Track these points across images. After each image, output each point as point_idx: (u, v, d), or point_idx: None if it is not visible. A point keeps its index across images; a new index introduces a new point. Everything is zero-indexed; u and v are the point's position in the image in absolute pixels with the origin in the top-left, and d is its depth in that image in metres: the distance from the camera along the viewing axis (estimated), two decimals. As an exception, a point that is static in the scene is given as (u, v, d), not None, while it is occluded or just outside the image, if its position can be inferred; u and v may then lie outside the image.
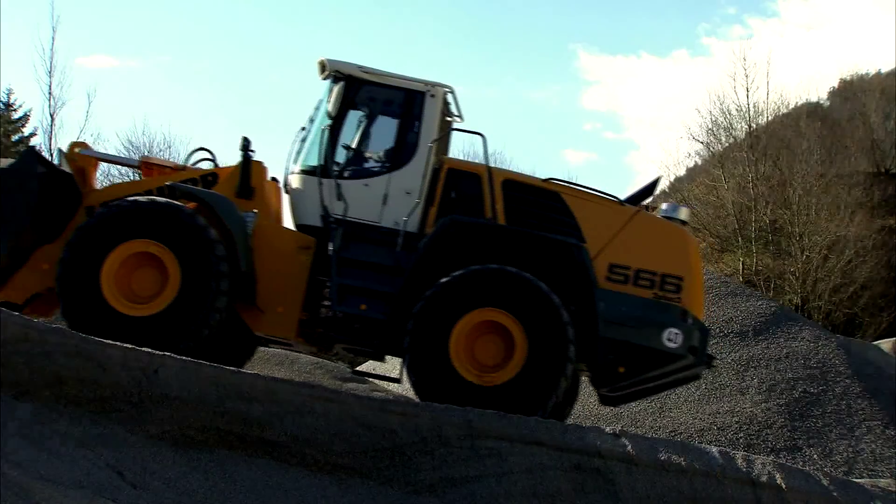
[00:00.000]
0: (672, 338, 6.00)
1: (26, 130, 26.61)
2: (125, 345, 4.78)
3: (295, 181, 6.44)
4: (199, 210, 5.98)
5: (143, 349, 4.75)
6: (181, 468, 4.43)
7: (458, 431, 4.90)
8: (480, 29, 79.06)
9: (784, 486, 4.85)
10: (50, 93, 23.21)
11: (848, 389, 8.70)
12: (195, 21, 71.87)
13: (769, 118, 30.45)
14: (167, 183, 6.32)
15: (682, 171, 35.60)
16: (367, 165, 6.52)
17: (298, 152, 6.57)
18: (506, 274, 5.81)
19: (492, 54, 77.57)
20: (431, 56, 79.65)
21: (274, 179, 6.80)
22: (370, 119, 6.64)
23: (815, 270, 24.29)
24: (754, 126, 29.76)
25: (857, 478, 6.63)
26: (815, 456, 7.64)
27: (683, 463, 4.88)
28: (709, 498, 4.80)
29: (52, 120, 23.31)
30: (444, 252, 5.99)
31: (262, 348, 7.80)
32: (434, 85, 6.43)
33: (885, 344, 14.03)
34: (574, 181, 6.75)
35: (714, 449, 5.13)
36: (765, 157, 28.38)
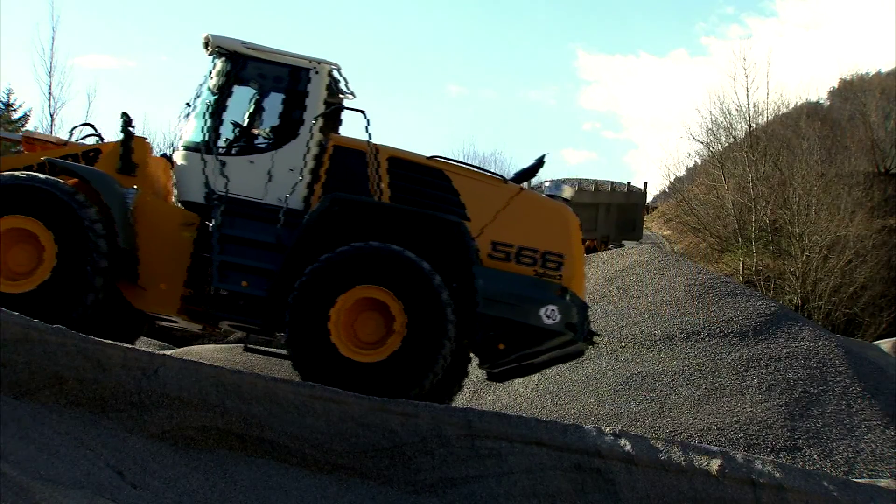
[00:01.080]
0: (550, 315, 6.02)
1: (26, 130, 26.61)
2: (125, 345, 4.78)
3: (179, 157, 6.43)
4: (79, 187, 5.96)
5: (143, 349, 4.75)
6: (181, 468, 4.43)
7: (458, 431, 4.90)
8: (479, 29, 78.94)
9: (784, 486, 4.85)
10: (50, 93, 23.25)
11: (848, 389, 8.70)
12: (193, 20, 71.77)
13: (769, 118, 30.50)
14: (45, 158, 6.28)
15: (682, 171, 35.63)
16: (251, 142, 6.50)
17: (184, 129, 6.54)
18: (388, 252, 5.81)
19: (490, 54, 77.43)
20: (430, 56, 79.51)
21: (165, 156, 6.82)
22: (255, 96, 6.64)
23: (815, 270, 24.30)
24: (754, 126, 29.80)
25: (857, 478, 6.63)
26: (815, 456, 7.64)
27: (683, 463, 4.88)
28: (709, 498, 4.80)
29: (52, 120, 23.36)
30: (327, 229, 5.99)
31: (262, 347, 7.80)
32: (319, 62, 6.42)
33: (885, 344, 14.04)
34: (460, 160, 6.78)
35: (714, 449, 5.13)
36: (765, 157, 28.41)
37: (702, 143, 31.95)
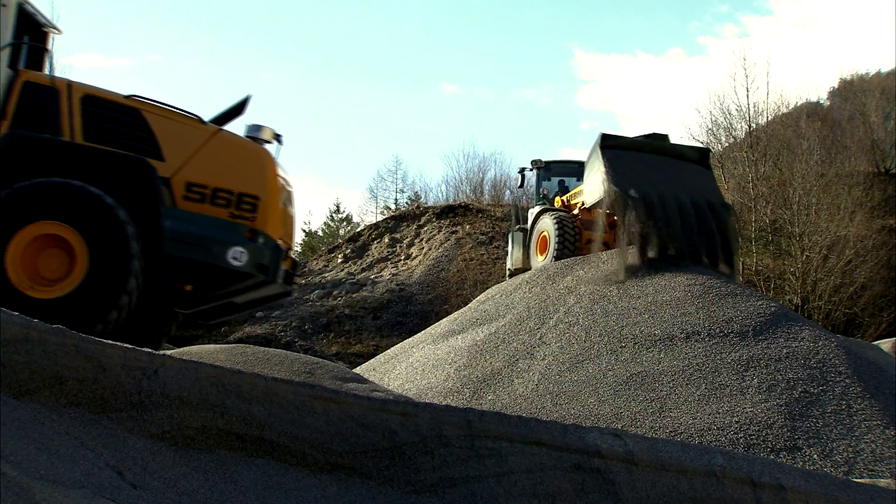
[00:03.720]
0: (237, 256, 6.08)
1: (26, 130, 26.57)
2: (125, 345, 4.78)
3: None
4: None
5: (143, 349, 4.75)
6: (181, 468, 4.43)
7: (458, 431, 4.90)
8: (475, 28, 78.90)
9: (784, 486, 4.85)
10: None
11: (848, 389, 8.69)
12: (186, 20, 71.74)
13: (769, 118, 30.48)
14: None
15: (681, 171, 35.53)
16: None
17: None
18: (68, 187, 5.73)
19: (487, 53, 77.40)
20: (428, 55, 79.43)
21: None
22: None
23: (815, 270, 24.30)
24: (754, 126, 29.78)
25: (857, 478, 6.63)
26: (815, 456, 7.64)
27: (683, 463, 4.88)
28: (709, 498, 4.80)
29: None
30: (9, 168, 5.87)
31: (262, 348, 7.79)
32: None
33: (885, 344, 14.04)
34: (159, 100, 6.67)
35: (714, 449, 5.13)
36: (765, 157, 28.40)
37: (701, 143, 31.91)
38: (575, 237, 15.21)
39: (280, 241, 6.64)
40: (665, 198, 12.24)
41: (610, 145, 13.01)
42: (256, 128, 6.66)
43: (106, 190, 5.82)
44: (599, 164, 12.92)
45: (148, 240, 5.93)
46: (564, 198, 17.08)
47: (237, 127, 6.74)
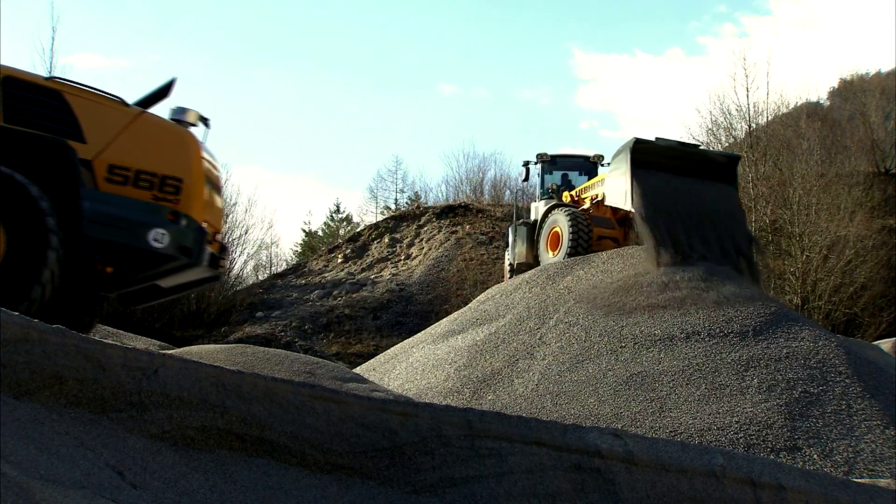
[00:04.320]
0: (158, 238, 6.08)
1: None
2: (125, 345, 4.78)
3: None
4: None
5: (143, 349, 4.75)
6: (181, 468, 4.43)
7: (458, 431, 4.90)
8: (474, 28, 78.93)
9: (784, 486, 4.85)
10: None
11: (848, 389, 8.69)
12: (184, 19, 71.74)
13: (769, 118, 30.47)
14: None
15: (682, 171, 35.49)
16: None
17: None
18: None
19: (485, 53, 77.43)
20: (426, 55, 79.44)
21: None
22: None
23: (815, 270, 24.29)
24: (754, 126, 29.78)
25: (857, 478, 6.63)
26: (815, 456, 7.64)
27: (683, 463, 4.88)
28: (709, 498, 4.80)
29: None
30: None
31: (262, 348, 7.79)
32: None
33: (885, 344, 14.03)
34: (82, 83, 6.63)
35: (714, 449, 5.13)
36: (765, 157, 28.40)
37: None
38: (588, 235, 15.15)
39: (205, 224, 6.64)
40: (691, 232, 12.32)
41: (640, 158, 12.85)
42: (181, 110, 6.66)
43: (25, 172, 5.82)
44: (626, 177, 12.79)
45: (67, 221, 5.90)
46: (573, 192, 16.98)
47: (162, 110, 6.74)
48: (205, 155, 6.70)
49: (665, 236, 12.06)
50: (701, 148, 14.49)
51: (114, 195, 6.11)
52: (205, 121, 6.79)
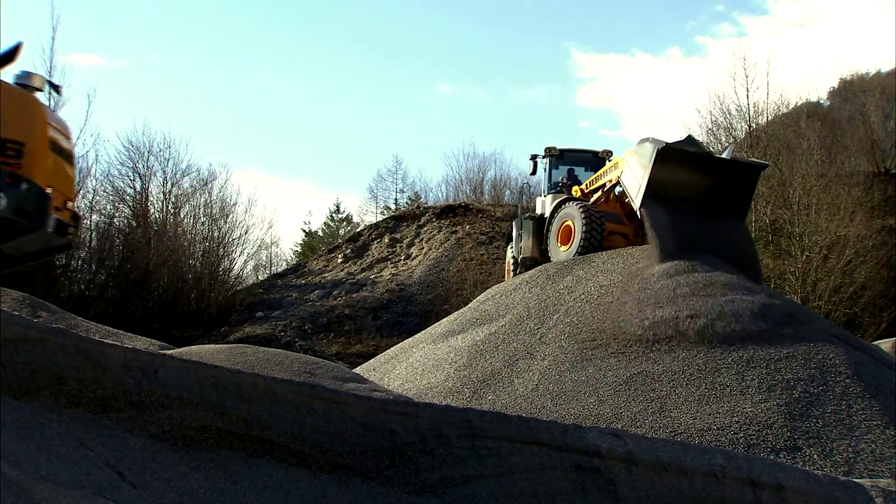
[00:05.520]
0: None
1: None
2: (125, 345, 4.78)
3: None
4: None
5: (143, 349, 4.75)
6: (181, 468, 4.43)
7: (458, 431, 4.90)
8: (472, 27, 78.91)
9: (784, 486, 4.85)
10: (50, 93, 23.22)
11: (848, 389, 8.69)
12: (181, 18, 71.75)
13: (769, 118, 30.46)
14: None
15: (681, 171, 35.46)
16: None
17: None
18: None
19: (483, 53, 77.42)
20: (424, 55, 79.44)
21: None
22: None
23: (815, 270, 24.27)
24: (754, 126, 29.77)
25: (857, 478, 6.63)
26: (815, 456, 7.63)
27: (683, 463, 4.88)
28: (709, 498, 4.80)
29: (52, 120, 23.31)
30: None
31: (262, 348, 7.79)
32: None
33: (885, 344, 14.01)
34: None
35: (714, 449, 5.13)
36: (765, 157, 28.36)
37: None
38: (601, 230, 15.05)
39: (50, 190, 6.53)
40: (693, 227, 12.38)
41: (663, 162, 12.76)
42: (26, 75, 6.58)
43: None
44: (644, 179, 12.73)
45: None
46: (583, 186, 16.89)
47: (7, 76, 6.65)
48: (52, 122, 6.58)
49: (667, 230, 12.07)
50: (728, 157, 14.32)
51: None
52: (55, 87, 6.72)
